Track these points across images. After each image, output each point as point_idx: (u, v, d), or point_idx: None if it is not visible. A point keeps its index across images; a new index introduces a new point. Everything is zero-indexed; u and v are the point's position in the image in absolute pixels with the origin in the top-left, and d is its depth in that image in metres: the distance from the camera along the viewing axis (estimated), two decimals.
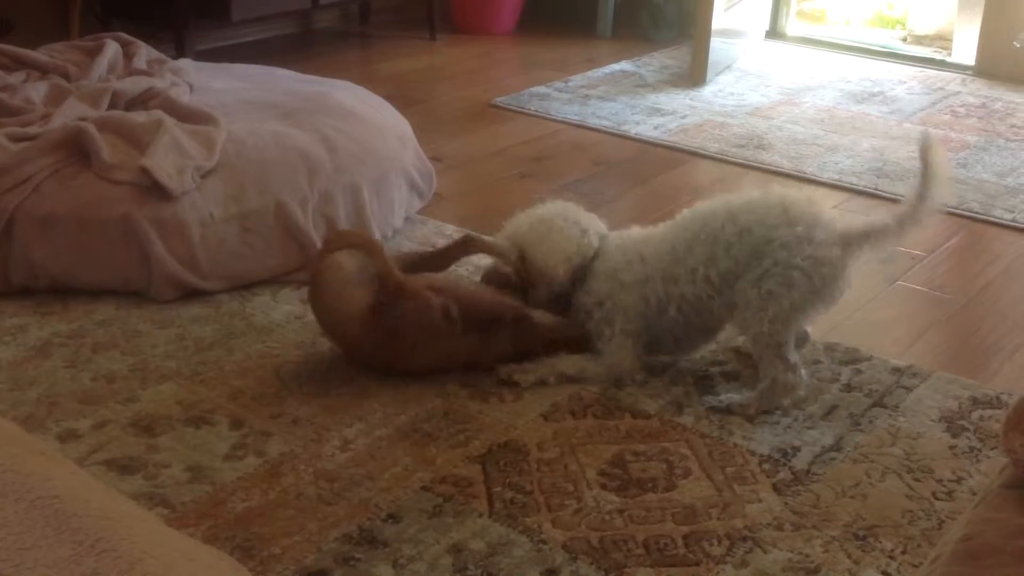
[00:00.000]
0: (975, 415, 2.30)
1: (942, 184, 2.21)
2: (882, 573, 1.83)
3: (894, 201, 3.42)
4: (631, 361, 2.36)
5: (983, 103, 4.53)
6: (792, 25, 5.54)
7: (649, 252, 2.36)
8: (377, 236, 2.92)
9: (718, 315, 2.33)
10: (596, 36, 5.44)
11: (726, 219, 2.27)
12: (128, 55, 3.35)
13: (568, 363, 2.37)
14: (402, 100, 4.04)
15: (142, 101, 3.06)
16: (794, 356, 2.26)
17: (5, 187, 2.62)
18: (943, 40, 5.45)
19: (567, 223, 2.42)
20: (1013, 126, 4.23)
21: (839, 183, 3.59)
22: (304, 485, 2.00)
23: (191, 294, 2.67)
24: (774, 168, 3.71)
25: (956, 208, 3.40)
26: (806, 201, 2.28)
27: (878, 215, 2.28)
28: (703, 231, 2.29)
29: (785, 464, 2.12)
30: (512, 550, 1.85)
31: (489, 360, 2.36)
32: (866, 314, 2.73)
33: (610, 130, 4.06)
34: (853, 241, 2.24)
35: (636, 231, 2.47)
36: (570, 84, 4.60)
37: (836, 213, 2.30)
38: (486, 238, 2.51)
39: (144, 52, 3.38)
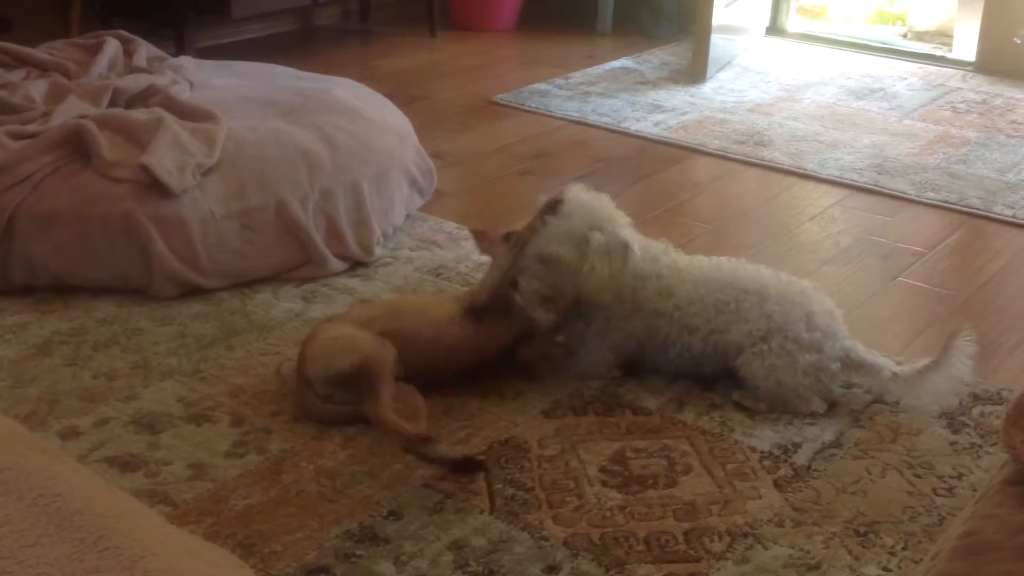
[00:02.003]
0: (976, 411, 2.30)
1: (951, 375, 2.25)
2: (883, 569, 1.83)
3: (894, 198, 3.45)
4: (607, 369, 2.37)
5: (984, 99, 4.53)
6: (792, 21, 5.53)
7: (680, 290, 2.33)
8: (378, 233, 2.92)
9: (712, 368, 2.35)
10: (596, 33, 5.44)
11: (757, 301, 2.29)
12: (128, 53, 3.35)
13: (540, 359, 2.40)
14: (402, 97, 4.03)
15: (142, 99, 3.06)
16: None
17: (6, 185, 2.62)
18: (943, 36, 5.44)
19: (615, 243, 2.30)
20: (1013, 122, 4.23)
21: (839, 179, 3.58)
22: (305, 482, 2.00)
23: (192, 292, 2.67)
24: (774, 165, 3.71)
25: (956, 204, 3.40)
26: (828, 312, 2.32)
27: (883, 359, 2.32)
28: (735, 302, 2.30)
29: (786, 460, 2.12)
30: (513, 547, 1.85)
31: (491, 351, 2.36)
32: (866, 310, 2.73)
33: (610, 127, 4.06)
34: (851, 365, 2.30)
35: (669, 248, 2.40)
36: (570, 81, 4.60)
37: (848, 329, 2.35)
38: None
39: (144, 50, 3.38)
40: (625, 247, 2.28)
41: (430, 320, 2.32)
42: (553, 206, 2.31)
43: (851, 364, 2.30)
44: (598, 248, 2.25)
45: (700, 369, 2.35)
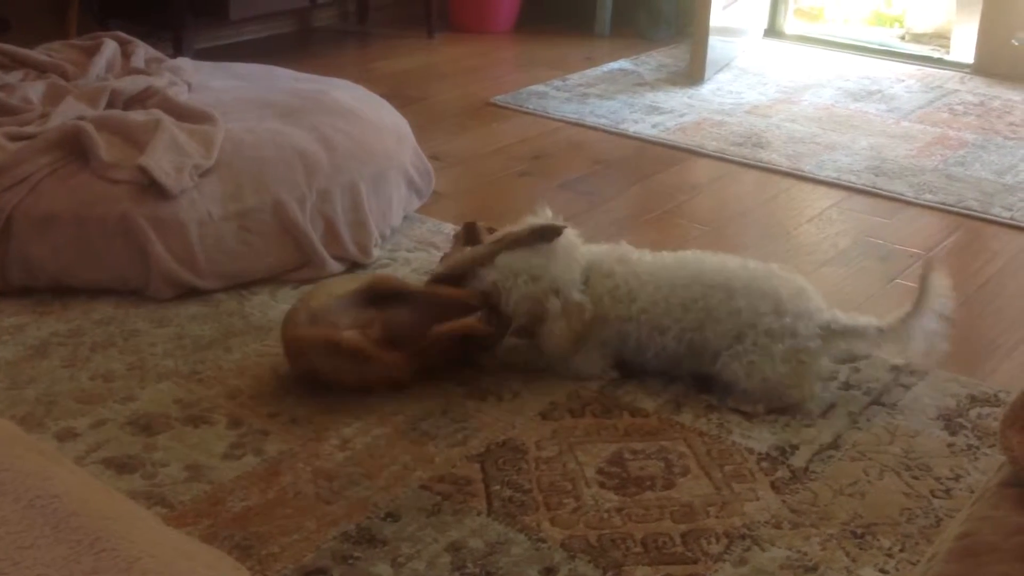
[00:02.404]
0: (973, 413, 2.30)
1: (934, 313, 2.26)
2: (880, 571, 1.83)
3: (891, 199, 3.45)
4: (600, 370, 2.37)
5: (981, 101, 4.53)
6: (790, 23, 5.53)
7: (642, 294, 2.34)
8: (375, 235, 2.92)
9: (690, 367, 2.35)
10: (594, 34, 5.44)
11: (724, 297, 2.29)
12: (126, 54, 3.35)
13: (538, 363, 2.40)
14: (400, 99, 4.03)
15: (140, 100, 3.06)
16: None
17: (3, 186, 2.62)
18: (941, 38, 5.45)
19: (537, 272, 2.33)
20: (1011, 124, 4.23)
21: (837, 181, 3.59)
22: (303, 484, 2.00)
23: (189, 293, 2.67)
24: (772, 167, 3.71)
25: (954, 206, 3.40)
26: (798, 291, 2.32)
27: (864, 317, 2.32)
28: (702, 299, 2.30)
29: (783, 462, 2.12)
30: (510, 549, 1.85)
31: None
32: (864, 311, 2.72)
33: (608, 128, 4.06)
34: (833, 336, 2.30)
35: (628, 252, 2.41)
36: (568, 82, 4.60)
37: (824, 302, 2.35)
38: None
39: (142, 51, 3.38)
40: (581, 310, 2.30)
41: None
42: (545, 234, 2.34)
43: (835, 334, 2.30)
44: (555, 313, 2.29)
45: (680, 368, 2.35)
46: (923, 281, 2.26)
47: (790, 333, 2.26)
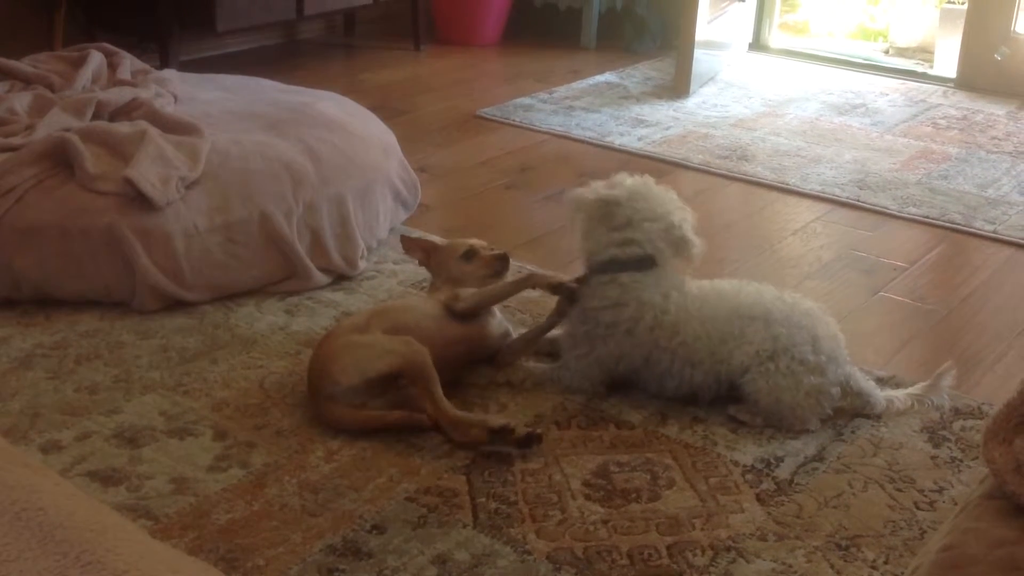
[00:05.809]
0: (956, 426, 2.31)
1: (939, 397, 2.35)
2: None
3: (875, 213, 3.47)
4: (593, 387, 2.37)
5: (964, 115, 4.56)
6: (775, 37, 5.57)
7: (686, 329, 2.31)
8: (362, 247, 2.93)
9: (707, 396, 2.34)
10: (580, 47, 5.46)
11: (761, 327, 2.29)
12: (112, 65, 3.35)
13: (533, 371, 2.42)
14: (387, 111, 4.04)
15: (126, 112, 3.05)
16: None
17: None
18: (925, 52, 5.49)
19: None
20: (994, 138, 4.26)
21: (821, 194, 3.61)
22: (288, 496, 2.00)
23: (175, 305, 2.66)
24: (757, 179, 3.73)
25: (937, 219, 3.42)
26: (832, 335, 2.33)
27: (872, 384, 2.35)
28: (740, 332, 2.30)
29: (768, 474, 2.12)
30: (496, 561, 1.85)
31: (482, 347, 2.41)
32: (848, 325, 2.74)
33: (594, 141, 4.08)
34: (847, 390, 2.32)
35: (679, 284, 2.36)
36: (554, 95, 4.62)
37: (848, 354, 2.37)
38: (547, 274, 2.54)
39: (128, 62, 3.38)
40: (689, 243, 2.32)
41: (425, 314, 2.36)
42: (561, 291, 2.39)
43: (848, 391, 2.32)
44: (674, 239, 2.31)
45: (696, 397, 2.34)
46: (936, 375, 2.34)
47: (820, 371, 2.27)
